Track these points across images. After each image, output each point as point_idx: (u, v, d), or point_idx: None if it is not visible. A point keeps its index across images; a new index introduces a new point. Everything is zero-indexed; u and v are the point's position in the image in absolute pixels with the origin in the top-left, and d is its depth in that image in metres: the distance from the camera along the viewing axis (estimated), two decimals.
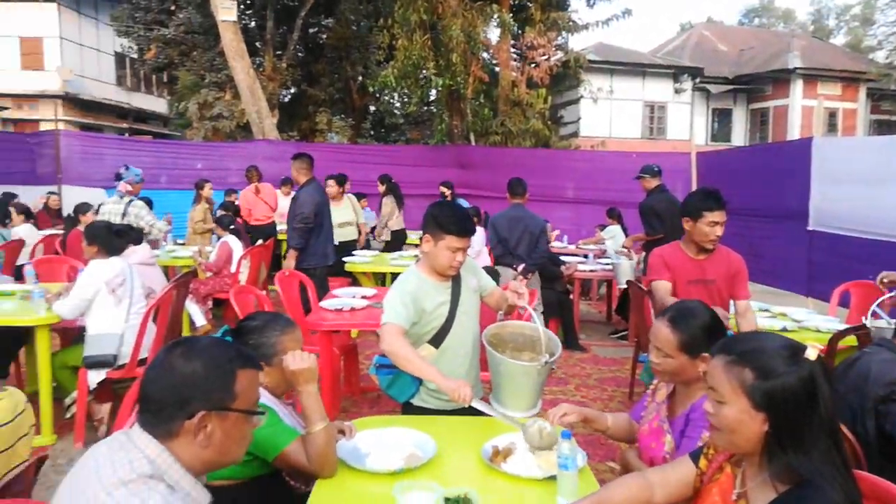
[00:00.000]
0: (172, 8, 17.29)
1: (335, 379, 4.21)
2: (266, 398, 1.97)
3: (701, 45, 28.35)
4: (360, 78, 19.00)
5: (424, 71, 10.51)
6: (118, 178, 5.77)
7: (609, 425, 2.17)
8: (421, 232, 2.60)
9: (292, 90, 19.35)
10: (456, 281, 2.60)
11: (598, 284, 8.72)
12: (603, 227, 8.81)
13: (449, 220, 2.46)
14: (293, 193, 6.14)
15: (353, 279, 6.92)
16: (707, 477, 1.56)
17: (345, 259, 6.67)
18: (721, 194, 3.30)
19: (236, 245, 6.50)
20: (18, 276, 5.79)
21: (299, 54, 18.11)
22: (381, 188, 8.38)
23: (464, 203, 8.24)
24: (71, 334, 4.46)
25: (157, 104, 30.48)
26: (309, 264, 5.56)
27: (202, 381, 1.27)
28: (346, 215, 7.46)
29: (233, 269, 6.35)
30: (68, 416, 4.05)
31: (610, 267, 6.88)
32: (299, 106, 19.26)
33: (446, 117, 11.64)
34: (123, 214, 5.56)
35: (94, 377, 3.79)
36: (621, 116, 24.67)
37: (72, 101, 24.49)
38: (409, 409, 2.61)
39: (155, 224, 5.75)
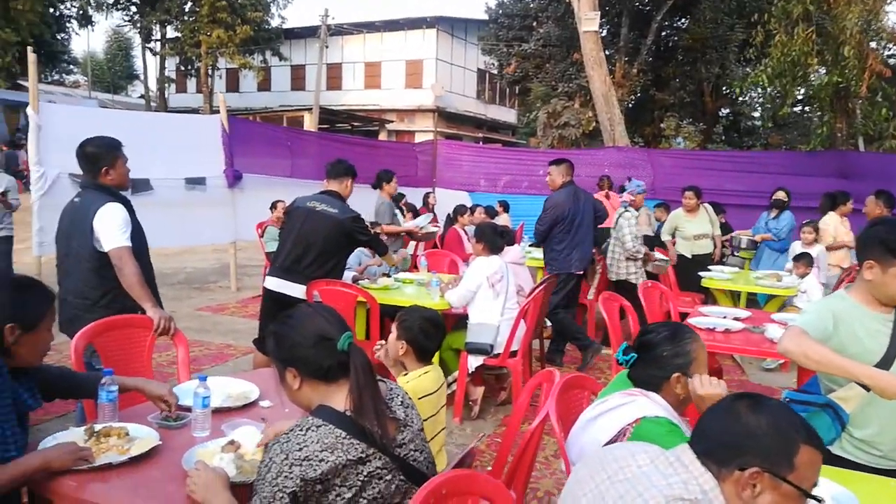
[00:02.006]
0: (534, 24, 18.53)
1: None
2: (671, 415, 1.88)
3: None
4: (715, 79, 17.84)
5: (801, 68, 9.27)
6: (622, 189, 6.06)
7: None
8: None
9: (637, 95, 19.12)
10: None
11: None
12: None
13: None
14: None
15: (707, 296, 6.47)
16: None
17: (700, 273, 6.25)
18: None
19: None
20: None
21: (649, 59, 17.78)
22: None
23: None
24: (449, 321, 5.00)
25: (507, 115, 33.19)
26: (550, 270, 5.40)
27: (764, 439, 1.25)
28: (702, 227, 6.99)
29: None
30: (448, 393, 4.54)
31: None
32: (644, 111, 18.95)
33: (828, 119, 10.09)
34: (616, 223, 5.86)
35: (474, 362, 4.19)
36: None
37: (440, 113, 28.12)
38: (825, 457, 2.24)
39: (627, 241, 5.64)
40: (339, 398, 1.55)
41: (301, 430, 1.48)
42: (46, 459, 1.70)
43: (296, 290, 4.07)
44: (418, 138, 24.44)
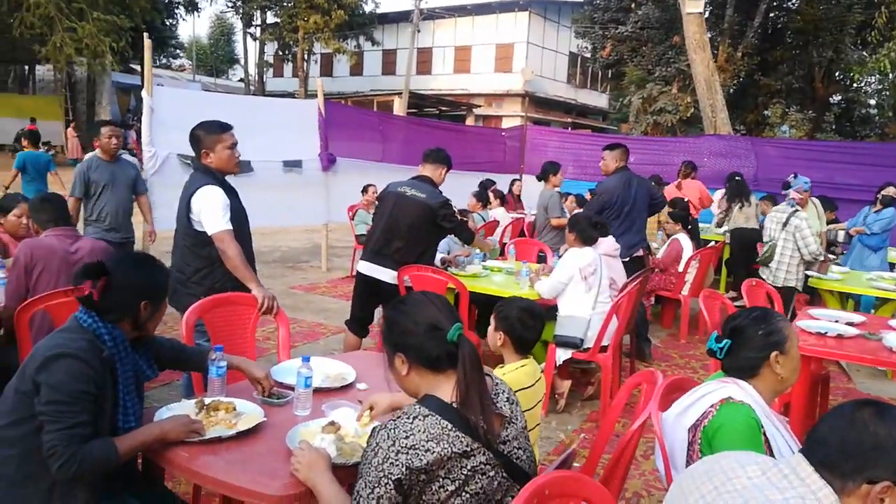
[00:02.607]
0: (632, 5, 17.89)
1: (810, 412, 3.69)
2: (760, 408, 1.80)
3: None
4: (828, 64, 16.66)
5: None
6: (786, 186, 5.64)
7: None
8: None
9: (740, 80, 18.13)
10: None
11: None
12: None
13: None
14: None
15: (813, 297, 6.08)
16: None
17: (807, 273, 5.87)
18: None
19: (686, 244, 6.31)
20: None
21: (755, 42, 16.78)
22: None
23: None
24: None
25: (598, 100, 32.32)
26: None
27: (894, 451, 1.18)
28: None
29: (680, 268, 6.20)
30: None
31: None
32: (746, 97, 17.95)
33: None
34: (784, 224, 5.42)
35: (562, 354, 4.11)
36: None
37: (529, 98, 27.72)
38: None
39: (811, 244, 5.28)
40: (446, 388, 1.54)
41: (408, 417, 1.48)
42: (164, 431, 1.80)
43: (386, 274, 4.12)
44: (505, 123, 24.25)
